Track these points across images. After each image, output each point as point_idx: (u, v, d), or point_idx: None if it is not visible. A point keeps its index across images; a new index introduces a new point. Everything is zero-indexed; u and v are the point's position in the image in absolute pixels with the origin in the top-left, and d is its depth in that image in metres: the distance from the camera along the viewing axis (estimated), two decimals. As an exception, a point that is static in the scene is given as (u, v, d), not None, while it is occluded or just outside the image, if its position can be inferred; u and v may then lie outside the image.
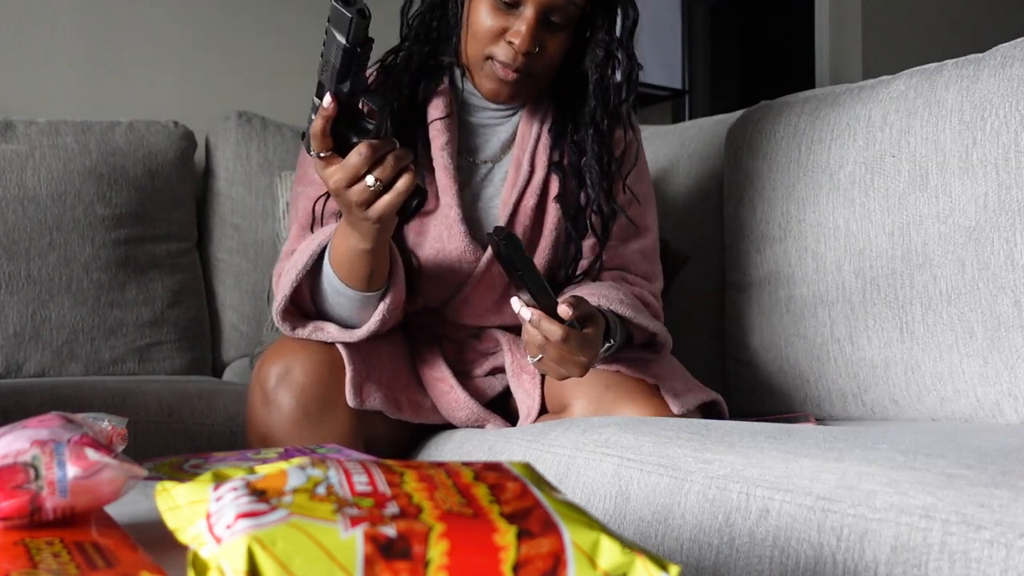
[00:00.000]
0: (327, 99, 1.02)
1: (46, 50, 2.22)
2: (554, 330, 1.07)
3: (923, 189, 1.32)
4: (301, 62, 2.48)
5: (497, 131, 1.34)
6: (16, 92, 2.18)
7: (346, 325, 1.23)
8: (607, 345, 1.18)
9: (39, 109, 2.11)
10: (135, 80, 2.32)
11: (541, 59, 1.23)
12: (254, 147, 2.14)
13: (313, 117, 1.05)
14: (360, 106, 1.05)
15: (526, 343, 1.11)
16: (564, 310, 1.07)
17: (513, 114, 1.34)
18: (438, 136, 1.28)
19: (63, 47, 2.24)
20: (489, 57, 1.23)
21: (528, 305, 1.08)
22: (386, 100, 1.06)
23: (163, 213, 2.00)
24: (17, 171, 1.85)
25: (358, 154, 1.03)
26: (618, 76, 1.29)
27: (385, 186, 1.05)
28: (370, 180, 1.04)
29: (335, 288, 1.19)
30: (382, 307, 1.20)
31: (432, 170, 1.28)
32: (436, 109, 1.30)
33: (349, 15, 0.96)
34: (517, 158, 1.31)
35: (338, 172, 1.05)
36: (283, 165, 2.14)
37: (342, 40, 0.98)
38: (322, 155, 1.06)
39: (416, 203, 1.09)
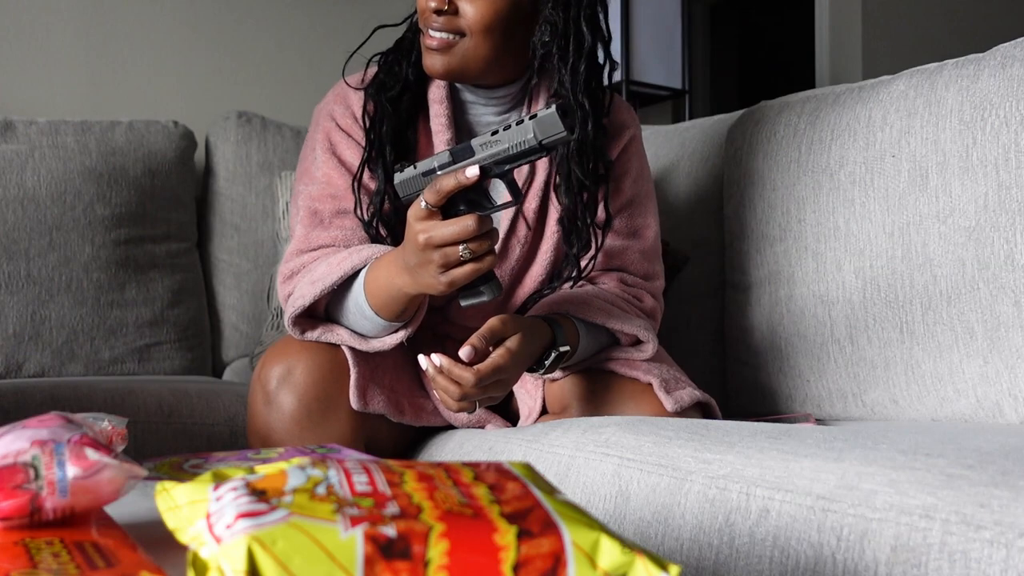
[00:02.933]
0: (473, 171, 1.04)
1: (46, 50, 2.23)
2: (466, 376, 1.10)
3: (923, 189, 1.32)
4: (301, 62, 2.49)
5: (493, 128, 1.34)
6: (16, 92, 2.19)
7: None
8: (559, 352, 1.19)
9: (39, 109, 2.11)
10: (135, 80, 2.32)
11: (461, 21, 1.21)
12: (254, 147, 2.15)
13: (438, 167, 1.08)
14: (488, 189, 1.09)
15: (442, 399, 1.13)
16: (466, 351, 1.10)
17: (505, 109, 1.33)
18: (441, 131, 1.29)
19: (63, 47, 2.24)
20: (420, 29, 1.25)
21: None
22: (518, 199, 1.11)
23: (163, 213, 2.00)
24: (17, 171, 1.85)
25: (465, 225, 1.03)
26: (572, 54, 1.23)
27: (471, 258, 1.06)
28: (463, 248, 1.04)
29: (361, 311, 1.19)
30: (402, 334, 1.21)
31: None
32: (435, 102, 1.30)
33: (563, 130, 1.01)
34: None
35: (437, 229, 1.05)
36: (283, 165, 2.14)
37: (538, 137, 1.02)
38: (428, 207, 1.07)
39: (484, 288, 1.10)
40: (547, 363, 1.19)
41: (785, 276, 1.51)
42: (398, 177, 1.14)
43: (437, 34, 1.22)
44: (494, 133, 1.05)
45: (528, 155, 1.04)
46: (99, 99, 2.27)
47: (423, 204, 1.06)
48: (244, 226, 2.11)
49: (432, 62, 1.24)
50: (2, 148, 1.86)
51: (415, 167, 1.12)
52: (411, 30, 1.33)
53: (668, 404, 1.18)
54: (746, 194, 1.59)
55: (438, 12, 1.20)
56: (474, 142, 1.07)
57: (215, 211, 2.13)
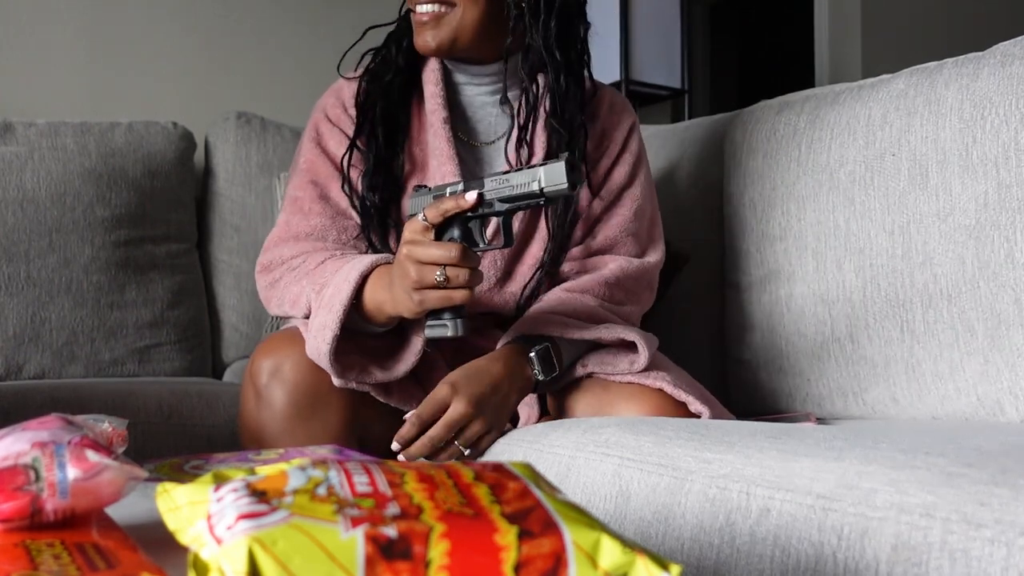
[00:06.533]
0: (472, 195, 1.08)
1: (46, 50, 2.23)
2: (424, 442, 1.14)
3: (923, 188, 1.32)
4: (301, 62, 2.49)
5: (488, 110, 1.35)
6: (16, 92, 2.19)
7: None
8: (547, 376, 1.22)
9: (39, 110, 2.11)
10: (135, 80, 2.32)
11: None
12: (253, 147, 2.14)
13: (448, 192, 1.12)
14: (483, 224, 1.13)
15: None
16: (395, 447, 1.14)
17: (496, 89, 1.33)
18: (438, 110, 1.30)
19: (63, 47, 2.24)
20: (411, 10, 1.27)
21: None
22: (509, 243, 1.13)
23: (163, 214, 2.00)
24: (16, 173, 1.85)
25: (448, 250, 1.05)
26: (542, 10, 1.25)
27: (444, 285, 1.06)
28: (439, 272, 1.05)
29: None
30: (418, 344, 1.21)
31: (428, 153, 1.30)
32: (430, 84, 1.32)
33: (566, 183, 1.03)
34: (517, 140, 1.32)
35: (422, 246, 1.06)
36: (283, 166, 2.14)
37: (542, 183, 1.05)
38: (426, 222, 1.09)
39: (450, 322, 1.10)
40: (540, 378, 1.22)
41: (785, 275, 1.51)
42: (412, 198, 1.18)
43: (427, 7, 1.23)
44: (506, 172, 1.09)
45: (527, 199, 1.07)
46: (99, 100, 2.27)
47: (421, 217, 1.09)
48: (244, 227, 2.11)
49: (424, 39, 1.25)
50: (1, 150, 1.86)
51: (429, 189, 1.17)
52: (403, 19, 1.35)
53: (705, 412, 1.18)
54: (746, 194, 1.59)
55: None
56: (487, 177, 1.10)
57: (215, 212, 2.13)
